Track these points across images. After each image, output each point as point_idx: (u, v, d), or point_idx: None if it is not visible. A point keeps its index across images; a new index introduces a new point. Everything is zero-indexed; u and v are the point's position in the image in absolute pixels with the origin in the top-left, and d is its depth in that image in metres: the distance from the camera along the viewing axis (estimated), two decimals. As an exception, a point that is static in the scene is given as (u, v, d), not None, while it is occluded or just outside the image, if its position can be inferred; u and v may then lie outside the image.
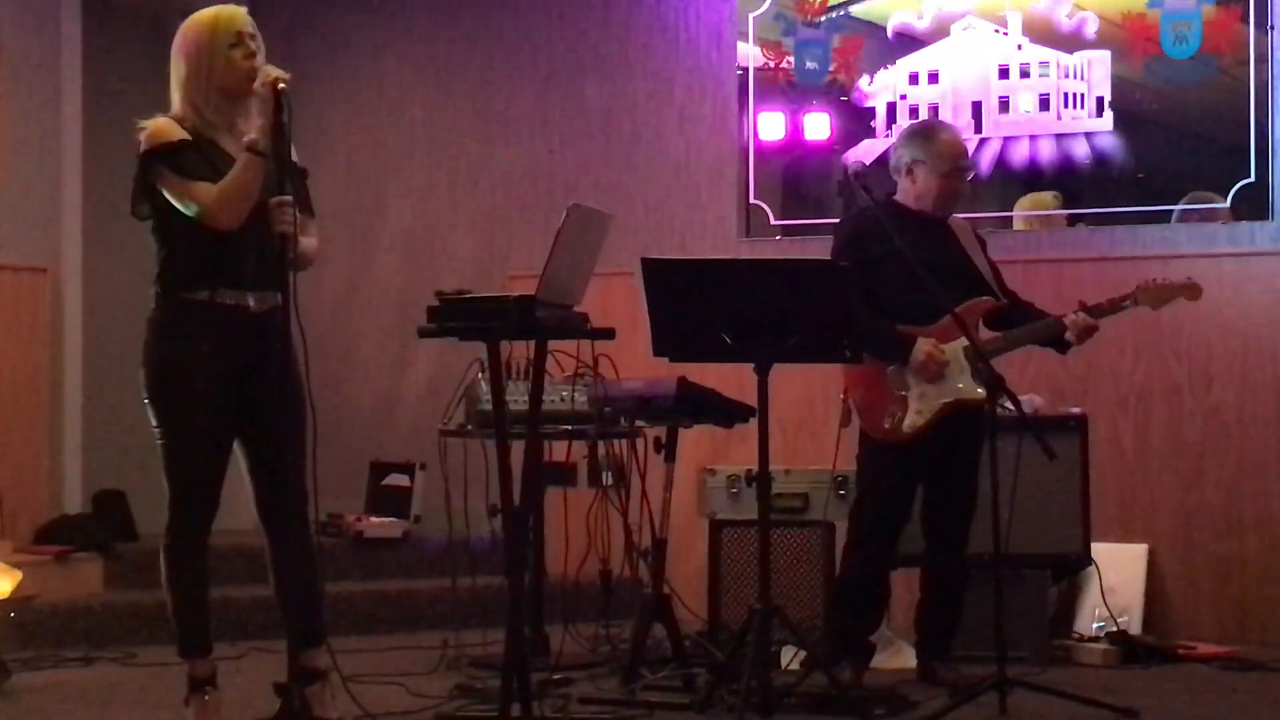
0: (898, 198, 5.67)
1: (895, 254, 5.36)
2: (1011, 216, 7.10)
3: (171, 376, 4.59)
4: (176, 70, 4.65)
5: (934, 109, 7.15)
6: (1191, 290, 5.62)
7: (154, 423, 4.62)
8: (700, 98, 7.60)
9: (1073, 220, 7.05)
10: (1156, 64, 6.88)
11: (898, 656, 6.07)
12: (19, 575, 6.01)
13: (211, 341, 4.57)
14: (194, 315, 4.57)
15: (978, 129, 7.11)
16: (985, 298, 5.60)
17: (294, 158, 4.57)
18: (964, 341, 5.47)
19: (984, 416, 5.37)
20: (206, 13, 4.65)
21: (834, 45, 7.34)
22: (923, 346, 5.47)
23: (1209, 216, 6.82)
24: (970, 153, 5.78)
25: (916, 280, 5.32)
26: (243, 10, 4.68)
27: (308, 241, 4.67)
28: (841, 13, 7.33)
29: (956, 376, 5.50)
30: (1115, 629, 6.28)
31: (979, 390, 5.41)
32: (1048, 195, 7.05)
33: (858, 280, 5.16)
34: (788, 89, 7.42)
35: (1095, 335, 5.56)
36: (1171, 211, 6.87)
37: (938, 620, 5.70)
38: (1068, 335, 5.52)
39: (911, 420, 5.52)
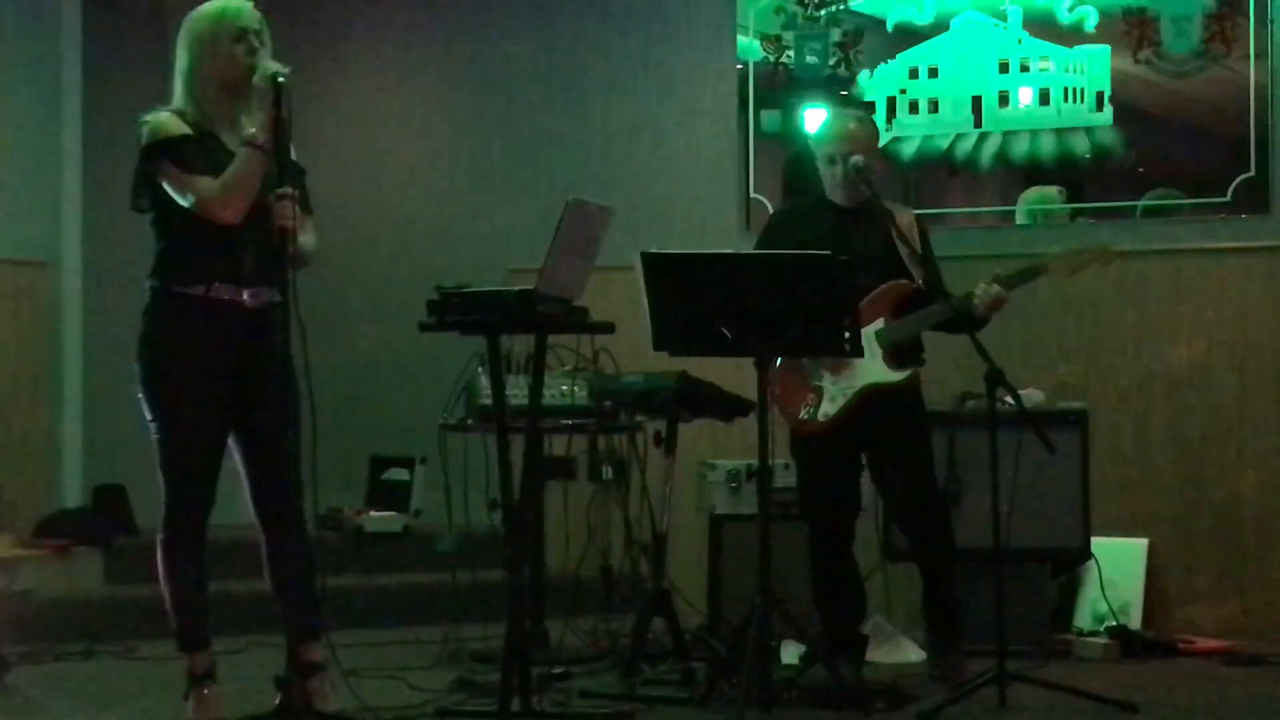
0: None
1: (811, 244, 5.34)
2: (1014, 211, 7.09)
3: (166, 370, 4.60)
4: (180, 62, 4.65)
5: (934, 103, 7.15)
6: (1104, 256, 5.55)
7: (149, 416, 4.62)
8: (700, 91, 7.59)
9: (1074, 214, 7.04)
10: (1157, 59, 6.87)
11: (898, 650, 6.08)
12: None
13: (206, 336, 4.58)
14: (189, 309, 4.58)
15: (978, 123, 7.10)
16: (899, 281, 5.53)
17: (293, 154, 4.57)
18: (875, 326, 5.48)
19: (909, 399, 5.44)
20: (213, 5, 4.64)
21: (834, 39, 7.34)
22: None
23: (1172, 212, 6.82)
24: (856, 139, 5.62)
25: None
26: (249, 5, 4.66)
27: (307, 239, 4.66)
28: (842, 6, 7.32)
29: (868, 361, 5.48)
30: (1115, 623, 6.29)
31: (891, 374, 5.43)
32: (1053, 190, 7.04)
33: (855, 273, 5.16)
34: (788, 83, 7.42)
35: (1006, 308, 5.49)
36: (1177, 205, 6.87)
37: (936, 611, 5.70)
38: (976, 307, 5.44)
39: (825, 409, 5.52)
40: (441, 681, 5.42)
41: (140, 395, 4.63)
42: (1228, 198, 6.76)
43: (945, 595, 5.64)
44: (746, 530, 6.21)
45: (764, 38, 7.44)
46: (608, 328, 5.16)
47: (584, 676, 5.57)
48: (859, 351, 5.28)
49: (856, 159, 5.56)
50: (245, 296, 4.60)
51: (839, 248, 5.28)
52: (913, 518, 5.63)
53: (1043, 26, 7.04)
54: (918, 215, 5.83)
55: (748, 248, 6.97)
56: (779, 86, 7.43)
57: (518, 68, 7.90)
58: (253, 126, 4.51)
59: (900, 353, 5.52)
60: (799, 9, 7.38)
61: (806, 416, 5.53)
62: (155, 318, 4.63)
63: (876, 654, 5.90)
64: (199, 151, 4.55)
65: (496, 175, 7.96)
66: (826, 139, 5.66)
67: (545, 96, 7.86)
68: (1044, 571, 6.30)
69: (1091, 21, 6.96)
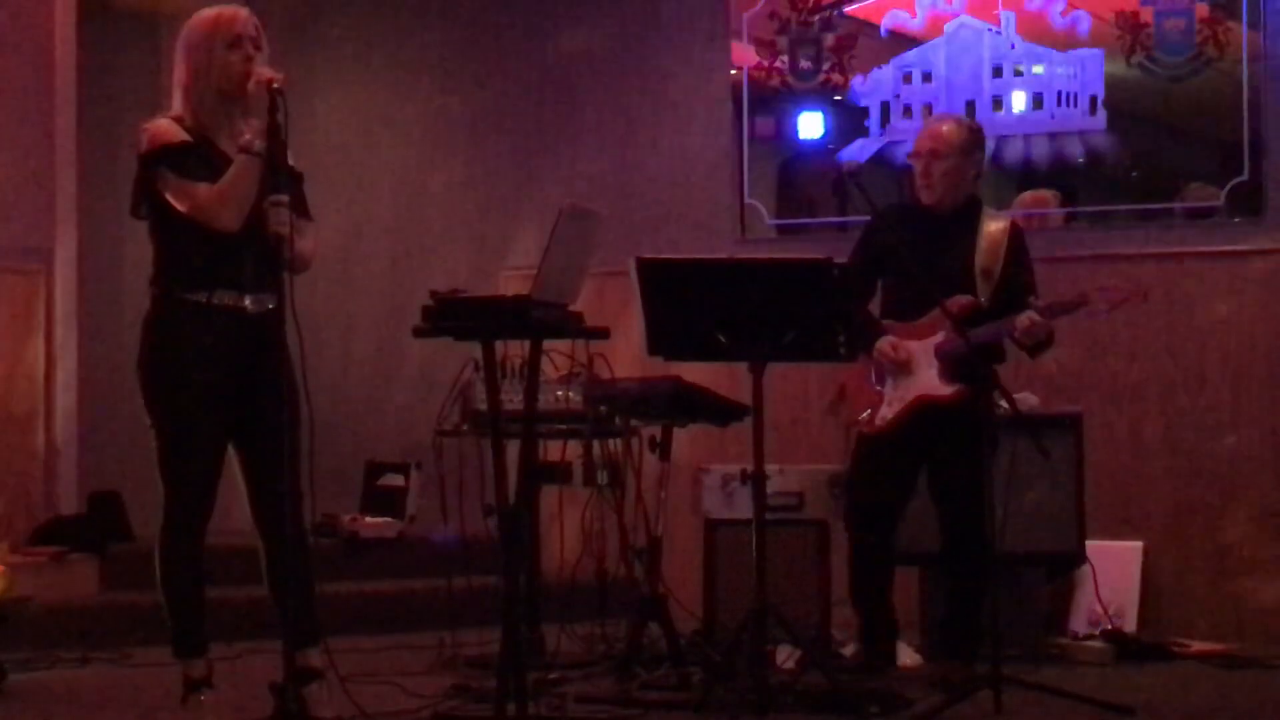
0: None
1: (893, 250, 5.41)
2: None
3: (167, 377, 4.60)
4: (177, 69, 4.66)
5: (928, 108, 7.16)
6: (1141, 295, 5.57)
7: (149, 423, 4.63)
8: (694, 96, 7.60)
9: (1068, 218, 7.05)
10: (1150, 62, 6.88)
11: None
12: (2, 570, 6.02)
13: (208, 342, 4.58)
14: (191, 316, 4.58)
15: (972, 127, 7.10)
16: (962, 296, 5.54)
17: (290, 160, 4.57)
18: (936, 339, 5.50)
19: (968, 414, 5.38)
20: (208, 13, 4.65)
21: (827, 44, 7.35)
22: (880, 344, 5.56)
23: (1207, 212, 6.83)
24: (940, 138, 5.68)
25: (908, 277, 5.37)
26: (244, 11, 4.67)
27: (304, 244, 4.66)
28: (835, 11, 7.33)
29: (923, 373, 5.54)
30: (1110, 627, 6.29)
31: (941, 388, 5.46)
32: (1048, 193, 7.05)
33: (854, 278, 5.19)
34: (782, 88, 7.43)
35: (1049, 336, 5.50)
36: (1170, 209, 6.88)
37: (950, 615, 5.73)
38: (1016, 334, 5.45)
39: (883, 413, 5.62)
40: (438, 687, 5.41)
41: (141, 401, 4.63)
42: (1221, 201, 6.78)
43: (970, 611, 5.64)
44: (741, 535, 6.19)
45: (758, 42, 7.45)
46: (603, 333, 5.16)
47: (579, 681, 5.57)
48: (854, 357, 5.30)
49: (851, 164, 5.60)
50: (246, 303, 4.61)
51: (922, 255, 5.31)
52: (952, 527, 5.64)
53: (1036, 31, 7.05)
54: (1015, 223, 5.83)
55: (743, 252, 7.00)
56: (773, 91, 7.43)
57: (513, 72, 7.91)
58: (248, 133, 4.52)
59: (956, 368, 5.51)
60: (793, 14, 7.39)
61: (865, 419, 5.67)
62: (156, 324, 4.63)
63: (871, 658, 5.90)
64: (198, 158, 4.56)
65: (491, 181, 7.96)
66: (918, 135, 5.70)
67: (540, 102, 7.86)
68: (1039, 575, 6.31)
69: (1084, 26, 6.98)
